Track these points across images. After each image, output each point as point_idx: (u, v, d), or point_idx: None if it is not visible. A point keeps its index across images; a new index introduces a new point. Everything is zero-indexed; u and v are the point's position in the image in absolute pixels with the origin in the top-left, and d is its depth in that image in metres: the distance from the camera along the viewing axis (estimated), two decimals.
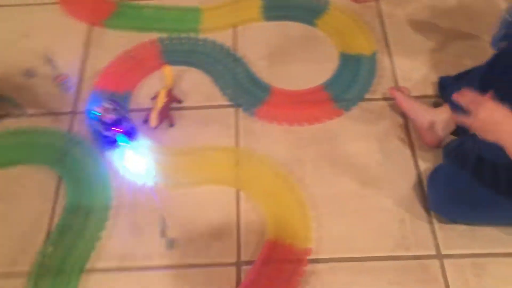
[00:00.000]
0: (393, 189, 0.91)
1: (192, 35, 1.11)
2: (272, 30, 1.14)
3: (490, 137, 0.65)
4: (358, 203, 0.89)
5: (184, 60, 1.07)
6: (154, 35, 1.12)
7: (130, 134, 0.94)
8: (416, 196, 0.90)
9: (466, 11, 1.17)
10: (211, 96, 1.03)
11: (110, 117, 0.91)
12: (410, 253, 0.84)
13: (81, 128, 0.99)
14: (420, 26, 1.14)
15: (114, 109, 0.92)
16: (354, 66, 1.06)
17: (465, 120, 0.67)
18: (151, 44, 1.09)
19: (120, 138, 0.92)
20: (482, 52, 1.02)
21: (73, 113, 1.02)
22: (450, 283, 0.81)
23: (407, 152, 0.95)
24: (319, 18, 1.13)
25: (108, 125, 0.91)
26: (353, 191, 0.90)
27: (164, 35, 1.12)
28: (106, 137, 0.93)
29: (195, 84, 1.05)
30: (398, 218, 0.88)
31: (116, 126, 0.91)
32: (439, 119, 0.93)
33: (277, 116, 0.99)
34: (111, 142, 0.93)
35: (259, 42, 1.11)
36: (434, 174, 0.88)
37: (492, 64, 0.90)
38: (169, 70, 1.02)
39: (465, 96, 0.68)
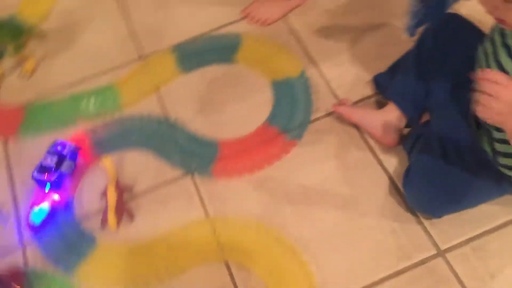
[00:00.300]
0: (372, 201, 0.90)
1: (116, 114, 1.05)
2: (194, 81, 1.10)
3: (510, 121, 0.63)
4: (346, 230, 0.88)
5: (119, 144, 1.01)
6: (77, 127, 1.05)
7: (57, 184, 0.92)
8: (396, 201, 0.89)
9: (365, 2, 1.17)
10: (161, 172, 0.97)
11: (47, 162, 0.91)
12: (413, 261, 0.84)
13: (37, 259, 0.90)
14: (332, 29, 1.14)
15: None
16: (289, 91, 1.04)
17: (487, 104, 0.64)
18: (80, 139, 1.02)
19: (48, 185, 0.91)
20: (399, 37, 1.05)
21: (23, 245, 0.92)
22: (461, 276, 0.81)
23: (371, 159, 0.95)
24: (236, 54, 1.10)
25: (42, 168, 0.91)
26: (336, 219, 0.89)
27: (86, 123, 1.04)
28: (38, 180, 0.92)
29: (140, 165, 0.99)
30: (388, 230, 0.87)
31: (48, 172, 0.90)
32: (390, 118, 0.93)
33: (235, 169, 0.95)
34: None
35: (187, 98, 1.07)
36: (406, 177, 0.87)
37: (420, 46, 0.92)
38: (108, 161, 0.95)
39: (488, 76, 0.64)
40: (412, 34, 0.90)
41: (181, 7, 1.22)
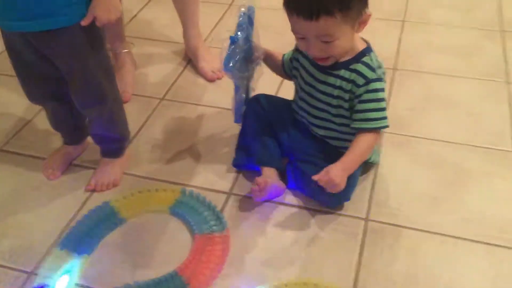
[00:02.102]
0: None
1: None
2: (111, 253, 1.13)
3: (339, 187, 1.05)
4: None
5: None
6: None
7: None
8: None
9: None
10: None
11: None
12: None
13: None
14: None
15: None
16: (184, 205, 1.19)
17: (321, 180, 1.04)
18: None
19: None
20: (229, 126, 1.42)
21: None
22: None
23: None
24: (119, 215, 1.19)
25: None
26: None
27: None
28: None
29: None
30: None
31: None
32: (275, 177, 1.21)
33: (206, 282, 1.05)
34: None
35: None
36: (307, 187, 1.17)
37: (249, 120, 1.28)
38: None
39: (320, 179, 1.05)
40: (239, 121, 1.28)
41: None
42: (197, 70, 1.65)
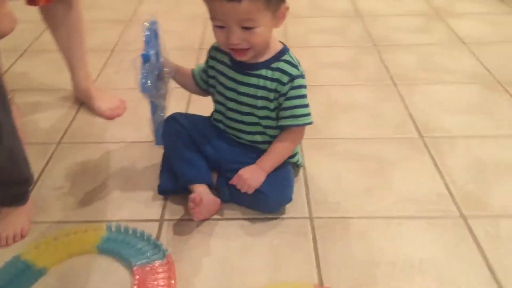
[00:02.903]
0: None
1: None
2: None
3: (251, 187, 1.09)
4: None
5: None
6: None
7: None
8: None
9: None
10: None
11: None
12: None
13: None
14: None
15: None
16: (113, 241, 1.07)
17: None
18: None
19: None
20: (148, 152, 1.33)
21: None
22: None
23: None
24: (37, 268, 1.02)
25: None
26: None
27: None
28: None
29: None
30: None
31: None
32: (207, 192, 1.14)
33: None
34: None
35: None
36: (243, 197, 1.13)
37: (170, 141, 1.20)
38: None
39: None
40: (160, 143, 1.21)
41: None
42: (93, 111, 1.53)
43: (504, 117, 1.47)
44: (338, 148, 1.35)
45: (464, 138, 1.38)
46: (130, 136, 1.41)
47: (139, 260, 1.01)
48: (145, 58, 1.05)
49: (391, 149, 1.34)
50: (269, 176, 1.11)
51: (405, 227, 1.10)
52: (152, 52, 1.07)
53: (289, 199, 1.13)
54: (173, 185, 1.18)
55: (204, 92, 1.21)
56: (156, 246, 1.05)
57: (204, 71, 1.18)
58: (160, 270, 0.99)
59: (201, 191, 1.12)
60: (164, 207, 1.17)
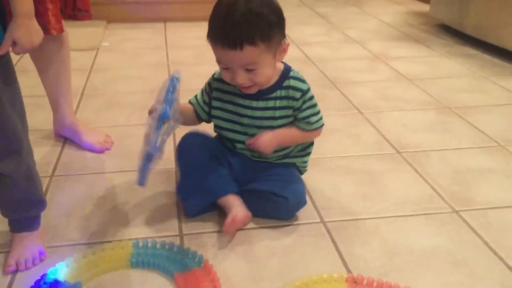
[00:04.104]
0: None
1: None
2: None
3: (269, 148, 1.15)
4: None
5: None
6: None
7: None
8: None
9: None
10: None
11: None
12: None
13: None
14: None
15: None
16: (146, 255, 1.08)
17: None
18: None
19: None
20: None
21: None
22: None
23: None
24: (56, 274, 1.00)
25: None
26: None
27: None
28: None
29: None
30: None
31: None
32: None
33: None
34: None
35: None
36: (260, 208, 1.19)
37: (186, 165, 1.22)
38: None
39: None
40: (143, 184, 1.04)
41: None
42: (81, 146, 1.53)
43: (462, 134, 1.67)
44: (329, 164, 1.46)
45: (436, 152, 1.55)
46: (125, 166, 1.43)
47: (177, 268, 1.02)
48: (163, 117, 1.01)
49: (376, 164, 1.47)
50: (286, 181, 1.19)
51: (410, 223, 1.21)
52: (169, 111, 1.02)
53: (305, 202, 1.20)
54: (200, 202, 1.18)
55: (199, 122, 1.26)
56: (190, 254, 1.06)
57: (206, 103, 1.21)
58: (202, 275, 1.01)
59: (232, 202, 1.15)
60: (180, 222, 1.19)
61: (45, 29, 1.28)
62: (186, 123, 1.21)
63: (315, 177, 1.38)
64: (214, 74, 1.21)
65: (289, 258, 1.09)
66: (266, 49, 1.05)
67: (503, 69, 2.28)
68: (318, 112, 1.19)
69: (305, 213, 1.22)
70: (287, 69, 1.17)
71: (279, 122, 1.17)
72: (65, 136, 1.58)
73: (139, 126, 1.64)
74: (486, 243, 1.14)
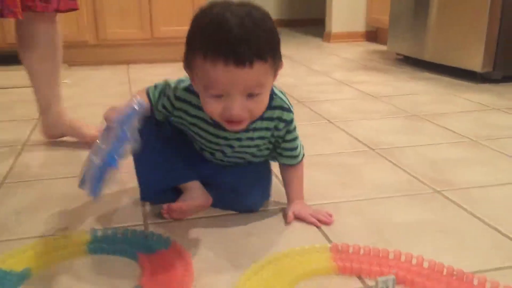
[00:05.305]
0: None
1: None
2: None
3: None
4: None
5: None
6: None
7: None
8: None
9: None
10: None
11: None
12: None
13: None
14: None
15: None
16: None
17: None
18: None
19: None
20: None
21: None
22: None
23: None
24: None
25: None
26: None
27: None
28: None
29: None
30: None
31: None
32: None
33: None
34: None
35: None
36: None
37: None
38: None
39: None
40: (98, 195, 0.87)
41: None
42: (84, 139, 1.51)
43: (433, 133, 1.65)
44: (305, 161, 1.39)
45: (409, 147, 1.51)
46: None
47: (141, 250, 0.91)
48: (122, 140, 0.84)
49: (352, 159, 1.42)
50: (251, 176, 1.09)
51: (392, 203, 1.14)
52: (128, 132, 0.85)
53: (268, 196, 1.12)
54: (159, 185, 1.08)
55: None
56: (155, 237, 0.96)
57: (164, 114, 1.03)
58: (170, 255, 0.90)
59: (192, 186, 1.07)
60: (144, 212, 1.09)
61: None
62: None
63: None
64: (176, 90, 0.98)
65: (267, 237, 0.99)
66: (271, 66, 0.87)
67: (464, 87, 2.32)
68: (299, 144, 1.09)
69: (283, 200, 1.14)
70: (270, 95, 0.95)
71: (255, 150, 1.06)
72: (61, 135, 1.54)
73: None
74: (473, 215, 1.08)
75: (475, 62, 2.37)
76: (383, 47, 3.44)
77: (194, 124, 1.01)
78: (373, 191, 1.20)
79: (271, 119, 0.99)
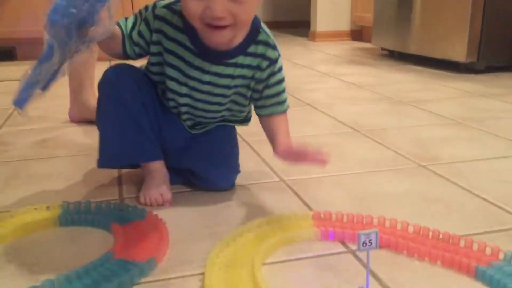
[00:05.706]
0: None
1: None
2: None
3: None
4: None
5: None
6: None
7: None
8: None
9: None
10: None
11: None
12: None
13: None
14: None
15: None
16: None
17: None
18: None
19: None
20: None
21: None
22: None
23: None
24: None
25: None
26: None
27: None
28: None
29: None
30: None
31: None
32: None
33: None
34: None
35: None
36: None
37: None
38: None
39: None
40: (22, 106, 0.78)
41: None
42: None
43: (418, 116, 1.63)
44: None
45: (393, 129, 1.48)
46: (62, 153, 1.28)
47: (116, 221, 0.87)
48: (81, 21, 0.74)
49: (335, 139, 1.39)
50: (219, 154, 1.02)
51: (376, 177, 1.11)
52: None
53: (237, 171, 1.05)
54: (117, 151, 0.96)
55: (124, 57, 0.94)
56: (130, 208, 0.91)
57: (138, 44, 0.91)
58: (145, 225, 0.86)
59: (156, 168, 0.99)
60: (120, 186, 1.05)
61: None
62: (107, 50, 0.91)
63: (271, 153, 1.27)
64: (154, 8, 0.89)
65: (247, 207, 0.96)
66: None
67: (449, 77, 2.32)
68: (285, 89, 0.99)
69: (263, 175, 1.11)
70: (255, 27, 0.89)
71: (231, 92, 0.95)
72: (86, 120, 1.51)
73: None
74: (459, 185, 1.05)
75: (459, 52, 2.36)
76: (368, 45, 3.44)
77: (171, 52, 0.90)
78: (357, 166, 1.17)
79: (254, 55, 0.90)
